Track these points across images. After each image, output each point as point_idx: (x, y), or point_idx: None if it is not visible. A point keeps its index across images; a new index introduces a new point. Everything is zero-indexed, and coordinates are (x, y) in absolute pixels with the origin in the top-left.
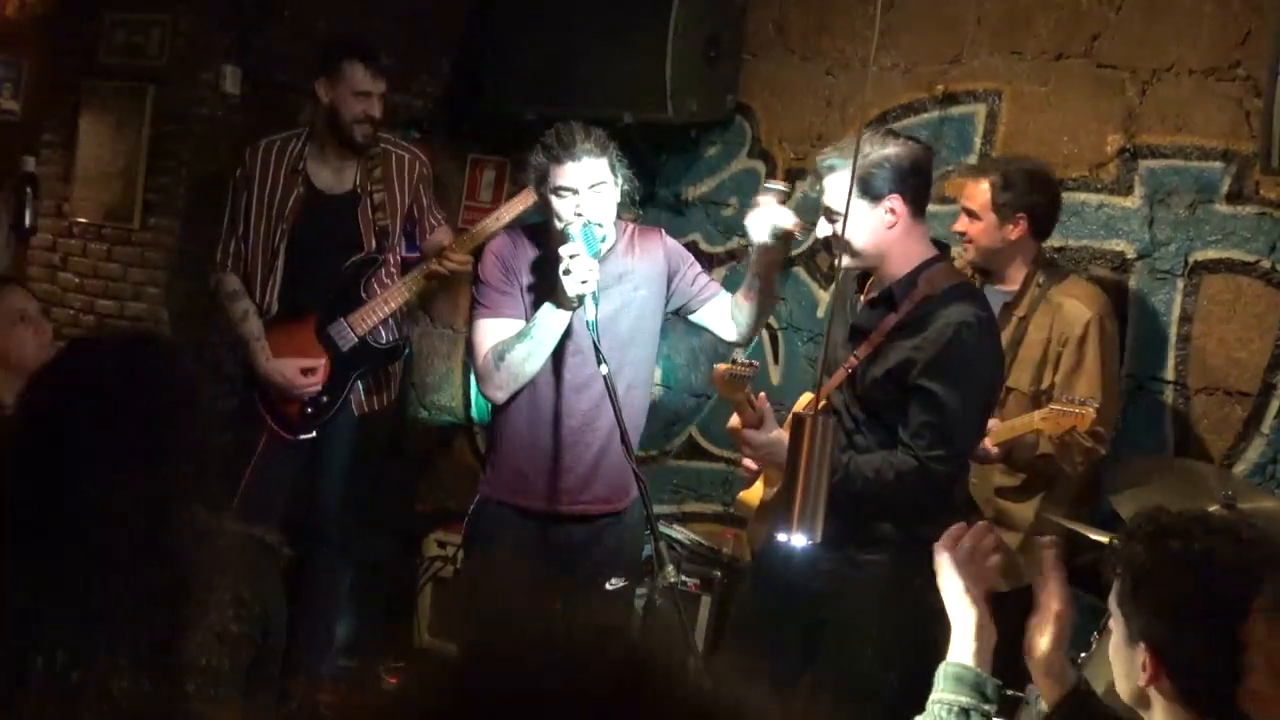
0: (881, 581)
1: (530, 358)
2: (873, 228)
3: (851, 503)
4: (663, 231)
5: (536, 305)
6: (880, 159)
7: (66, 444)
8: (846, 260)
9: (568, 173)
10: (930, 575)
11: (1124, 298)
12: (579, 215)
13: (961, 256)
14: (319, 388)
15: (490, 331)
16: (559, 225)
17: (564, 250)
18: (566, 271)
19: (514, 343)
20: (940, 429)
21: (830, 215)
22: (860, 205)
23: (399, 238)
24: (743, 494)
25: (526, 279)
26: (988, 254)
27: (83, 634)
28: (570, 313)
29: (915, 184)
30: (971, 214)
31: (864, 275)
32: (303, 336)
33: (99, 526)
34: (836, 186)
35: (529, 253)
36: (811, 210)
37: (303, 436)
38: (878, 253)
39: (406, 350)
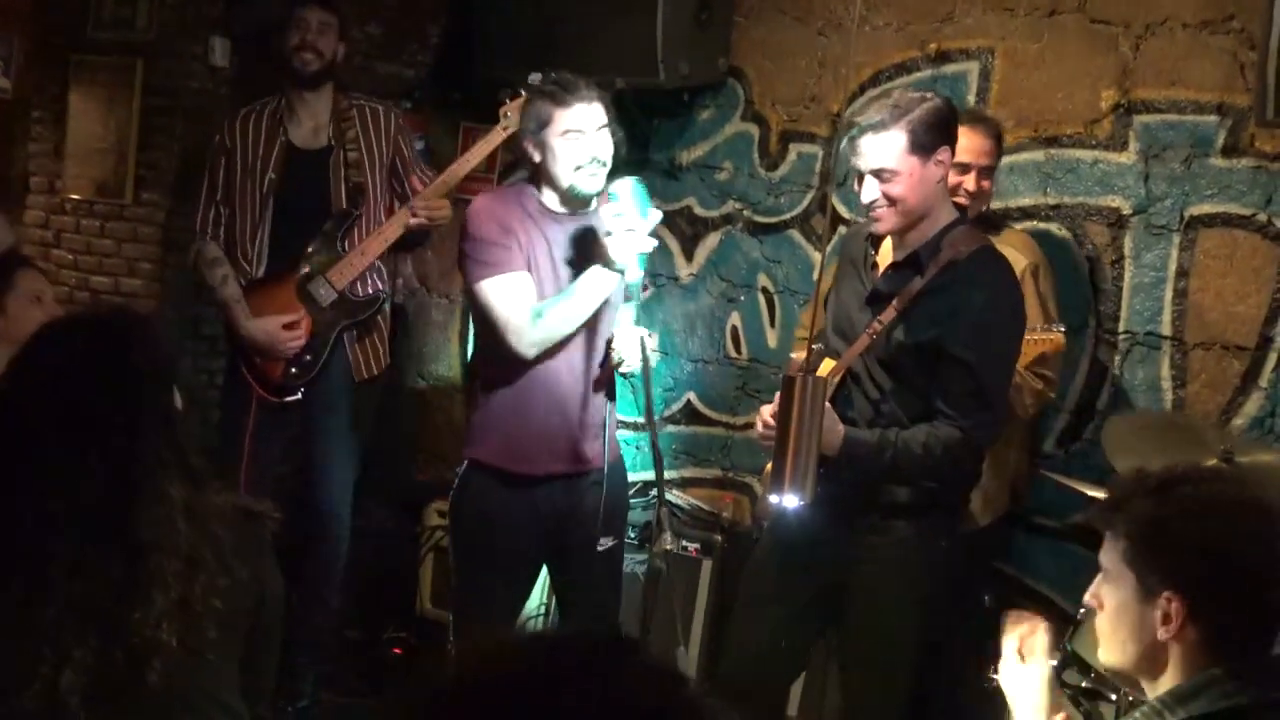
0: (907, 546)
1: (569, 319)
2: (927, 184)
3: (898, 478)
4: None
5: (529, 263)
6: (928, 113)
7: (38, 419)
8: (894, 222)
9: (577, 114)
10: (952, 538)
11: (1120, 254)
12: (598, 163)
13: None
14: (302, 343)
15: (504, 287)
16: (565, 172)
17: (608, 210)
18: (609, 233)
19: (555, 301)
20: (981, 397)
21: (882, 176)
22: (914, 162)
23: (383, 193)
24: (769, 467)
25: (521, 236)
26: (980, 209)
27: (42, 611)
28: (619, 275)
29: (953, 134)
30: (973, 168)
31: (876, 238)
32: (283, 296)
33: (63, 500)
34: (885, 145)
35: (517, 210)
36: (802, 175)
37: (289, 399)
38: (924, 210)
39: (386, 302)
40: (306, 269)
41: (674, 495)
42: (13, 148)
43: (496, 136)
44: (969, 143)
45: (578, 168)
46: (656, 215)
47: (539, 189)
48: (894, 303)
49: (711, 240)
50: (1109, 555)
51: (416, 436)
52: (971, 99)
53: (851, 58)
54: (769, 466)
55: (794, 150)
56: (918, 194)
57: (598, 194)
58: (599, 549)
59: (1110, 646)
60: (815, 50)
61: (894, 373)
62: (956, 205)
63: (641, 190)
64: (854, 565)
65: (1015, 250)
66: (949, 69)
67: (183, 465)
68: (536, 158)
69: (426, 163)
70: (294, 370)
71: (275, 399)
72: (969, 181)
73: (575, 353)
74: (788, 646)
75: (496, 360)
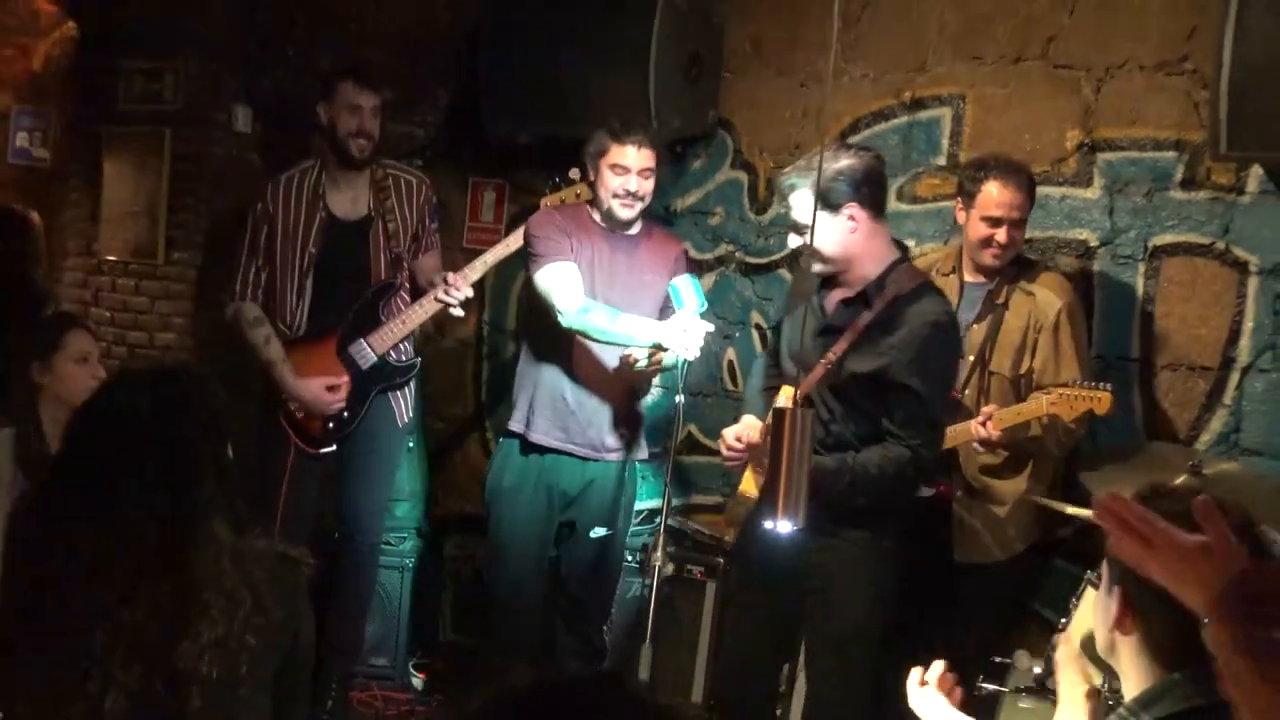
0: (861, 548)
1: (603, 331)
2: (837, 235)
3: (856, 494)
4: (681, 240)
5: (577, 260)
6: (835, 172)
7: (103, 467)
8: (818, 267)
9: (627, 154)
10: (896, 539)
11: (1089, 283)
12: (634, 197)
13: (985, 265)
14: (343, 403)
15: (555, 272)
16: (605, 196)
17: (676, 319)
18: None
19: (602, 310)
20: (925, 419)
21: (798, 229)
22: (823, 216)
23: (411, 259)
24: (741, 487)
25: (573, 239)
26: (1011, 256)
27: (94, 636)
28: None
29: (870, 191)
30: (1005, 223)
31: (827, 278)
32: (324, 356)
33: (122, 537)
34: (801, 202)
35: (573, 220)
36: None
37: (324, 450)
38: (845, 257)
39: (419, 367)
40: (348, 333)
41: (676, 521)
42: (52, 214)
43: (516, 240)
44: (1000, 197)
45: (615, 196)
46: (708, 325)
47: (592, 207)
48: (845, 334)
49: (707, 281)
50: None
51: (434, 474)
52: (946, 142)
53: (831, 107)
54: (741, 488)
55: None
56: (828, 245)
57: (631, 221)
58: (593, 535)
59: (1095, 627)
60: (798, 101)
61: (843, 398)
62: (991, 255)
63: (696, 286)
64: (815, 569)
65: (1051, 292)
66: (923, 115)
67: (231, 511)
68: (591, 177)
69: (436, 218)
70: (331, 426)
71: (311, 450)
72: (1000, 234)
73: (606, 357)
74: (768, 645)
75: (539, 348)
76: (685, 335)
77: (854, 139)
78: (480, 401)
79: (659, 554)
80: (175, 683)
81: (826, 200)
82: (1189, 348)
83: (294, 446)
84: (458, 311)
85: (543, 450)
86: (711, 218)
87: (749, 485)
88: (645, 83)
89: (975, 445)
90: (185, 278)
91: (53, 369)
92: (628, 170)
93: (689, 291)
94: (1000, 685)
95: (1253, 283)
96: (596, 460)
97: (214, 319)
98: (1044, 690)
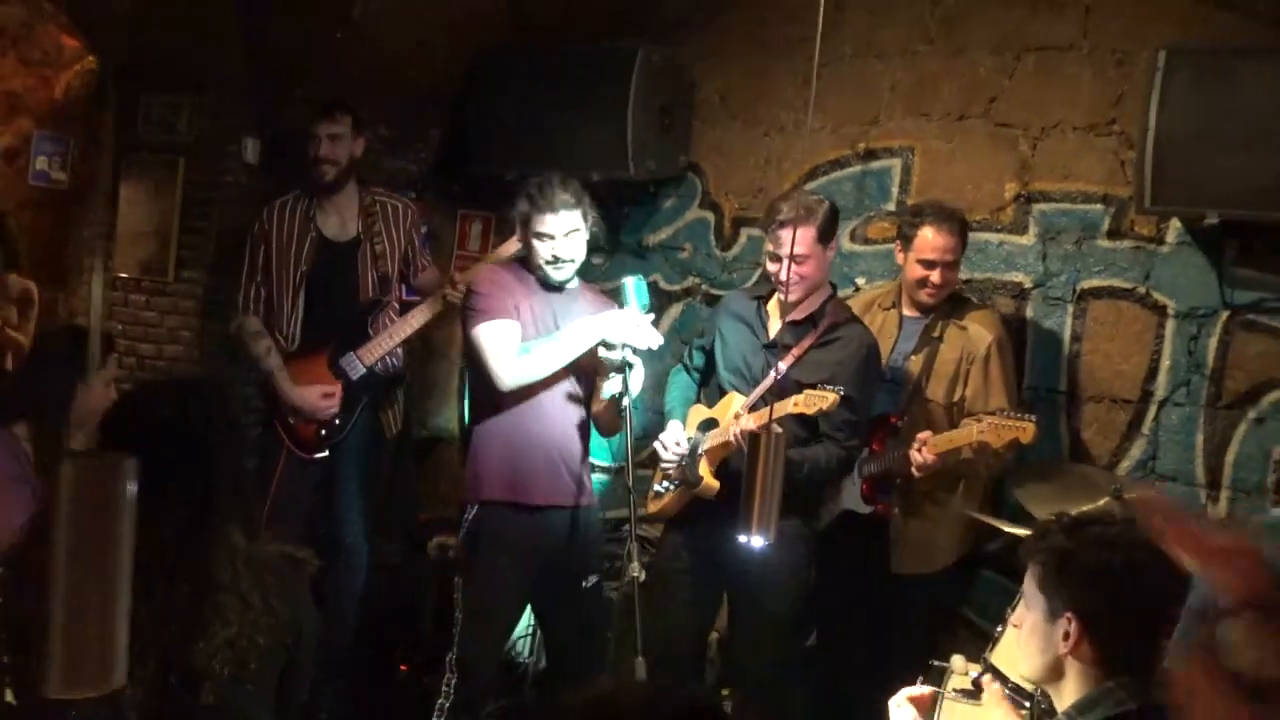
0: (793, 536)
1: (551, 359)
2: (825, 264)
3: (805, 483)
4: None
5: (519, 319)
6: (827, 211)
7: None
8: (799, 293)
9: (548, 222)
10: (806, 522)
11: (1023, 322)
12: (563, 261)
13: (922, 302)
14: (336, 410)
15: (495, 330)
16: (539, 262)
17: (616, 316)
18: (621, 345)
19: (540, 342)
20: (856, 425)
21: (797, 258)
22: (818, 249)
23: (398, 279)
24: (705, 484)
25: (517, 298)
26: (946, 294)
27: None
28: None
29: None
30: (939, 265)
31: (764, 300)
32: (317, 368)
33: (142, 538)
34: (801, 236)
35: (514, 279)
36: (751, 254)
37: (317, 455)
38: (820, 284)
39: (405, 379)
40: (339, 347)
41: (645, 529)
42: (70, 232)
43: (512, 245)
44: (935, 241)
45: (546, 262)
46: (655, 335)
47: (530, 267)
48: (793, 350)
49: (675, 310)
50: (1028, 580)
51: (419, 482)
52: (895, 190)
53: (796, 155)
54: (705, 483)
55: (744, 234)
56: (821, 272)
57: (567, 281)
58: (585, 586)
59: (1023, 657)
60: (762, 149)
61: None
62: (926, 294)
63: (641, 289)
64: (753, 554)
65: (982, 327)
66: (875, 165)
67: (245, 516)
68: (526, 243)
69: (427, 244)
70: (324, 433)
71: (305, 455)
72: (935, 275)
73: (560, 402)
74: (697, 627)
75: (492, 405)
76: (638, 329)
77: (812, 185)
78: (462, 412)
79: (634, 564)
80: (189, 679)
81: (823, 236)
82: (1112, 382)
83: (285, 451)
84: None
85: (533, 510)
86: (681, 252)
87: (708, 479)
88: (623, 130)
89: (912, 469)
90: (193, 295)
91: (88, 384)
92: (552, 236)
93: (635, 293)
94: (937, 687)
95: (1170, 324)
96: (580, 508)
97: (219, 333)
98: (979, 692)
